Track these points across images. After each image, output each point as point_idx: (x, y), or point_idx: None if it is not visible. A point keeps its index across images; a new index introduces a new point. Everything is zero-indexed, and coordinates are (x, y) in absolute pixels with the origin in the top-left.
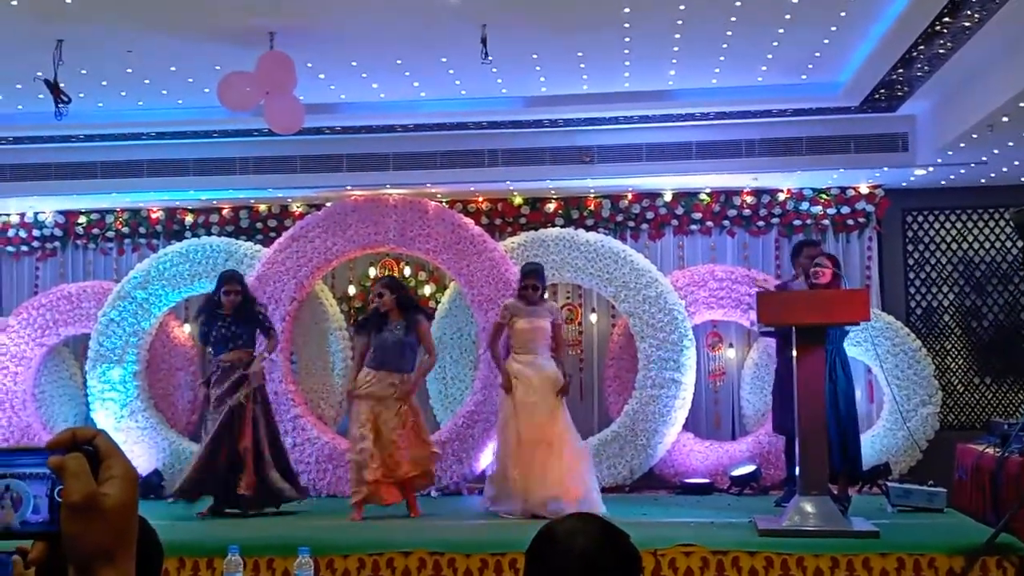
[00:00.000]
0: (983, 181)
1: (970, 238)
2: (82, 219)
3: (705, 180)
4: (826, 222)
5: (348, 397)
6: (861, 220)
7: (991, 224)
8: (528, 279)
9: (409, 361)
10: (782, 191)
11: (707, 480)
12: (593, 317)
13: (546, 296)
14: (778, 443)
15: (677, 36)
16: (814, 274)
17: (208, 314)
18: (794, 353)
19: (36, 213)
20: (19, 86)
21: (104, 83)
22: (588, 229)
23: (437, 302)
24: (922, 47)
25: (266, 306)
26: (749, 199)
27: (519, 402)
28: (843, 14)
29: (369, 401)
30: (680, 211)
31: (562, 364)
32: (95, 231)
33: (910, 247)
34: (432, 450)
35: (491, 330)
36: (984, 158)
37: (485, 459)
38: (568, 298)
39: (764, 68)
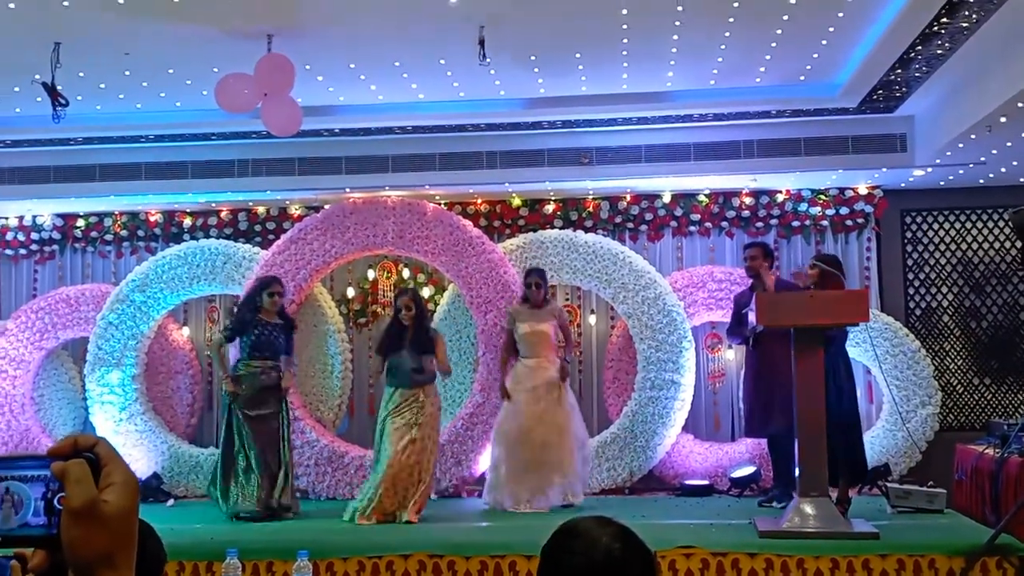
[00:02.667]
0: (982, 181)
1: (969, 238)
2: (80, 222)
3: (704, 181)
4: (825, 223)
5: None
6: (860, 221)
7: (990, 224)
8: (530, 277)
9: (426, 375)
10: (781, 192)
11: (707, 482)
12: (592, 319)
13: (549, 298)
14: None
15: (675, 37)
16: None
17: (248, 314)
18: (793, 355)
19: (34, 216)
20: (17, 89)
21: (102, 86)
22: (587, 230)
23: (436, 304)
24: (920, 48)
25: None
26: (748, 200)
27: (520, 409)
28: (841, 15)
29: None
30: (679, 212)
31: (562, 358)
32: (93, 234)
33: (909, 248)
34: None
35: (504, 339)
36: (983, 158)
37: (484, 461)
38: (567, 299)
39: (762, 69)
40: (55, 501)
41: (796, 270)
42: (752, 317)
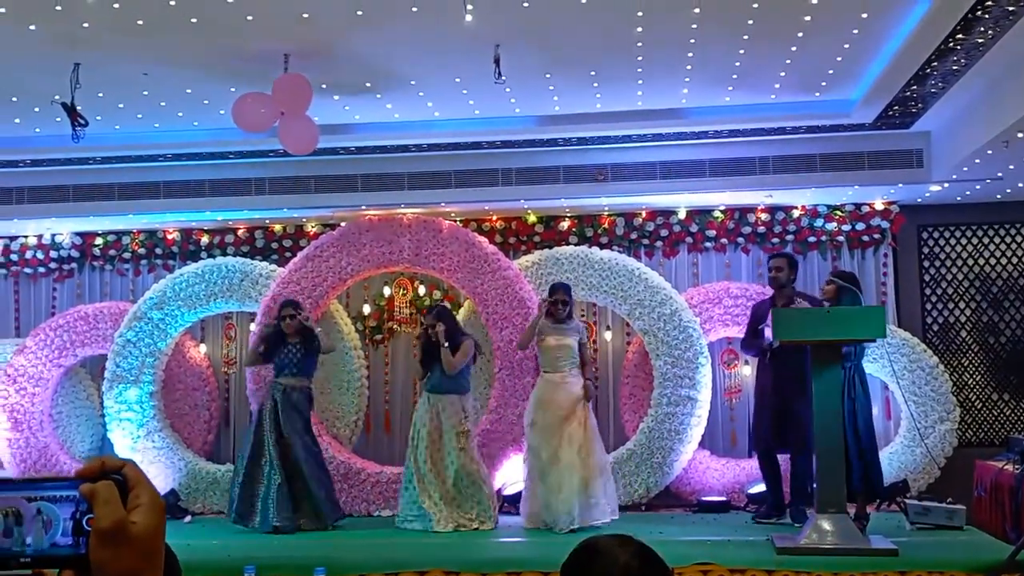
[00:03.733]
0: (999, 197)
1: (986, 254)
2: (99, 240)
3: (719, 197)
4: (841, 238)
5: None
6: (876, 236)
7: (1007, 240)
8: (556, 294)
9: (464, 380)
10: (796, 208)
11: (724, 498)
12: (608, 335)
13: (574, 315)
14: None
15: (690, 55)
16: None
17: (276, 334)
18: (808, 370)
19: (53, 235)
20: (37, 109)
21: (121, 106)
22: (602, 247)
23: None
24: (936, 63)
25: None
26: (764, 216)
27: (545, 426)
28: (856, 31)
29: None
30: (694, 228)
31: (587, 378)
32: (112, 252)
33: (926, 263)
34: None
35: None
36: (999, 174)
37: (501, 477)
38: (583, 316)
39: (777, 86)
40: (83, 522)
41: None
42: (768, 332)
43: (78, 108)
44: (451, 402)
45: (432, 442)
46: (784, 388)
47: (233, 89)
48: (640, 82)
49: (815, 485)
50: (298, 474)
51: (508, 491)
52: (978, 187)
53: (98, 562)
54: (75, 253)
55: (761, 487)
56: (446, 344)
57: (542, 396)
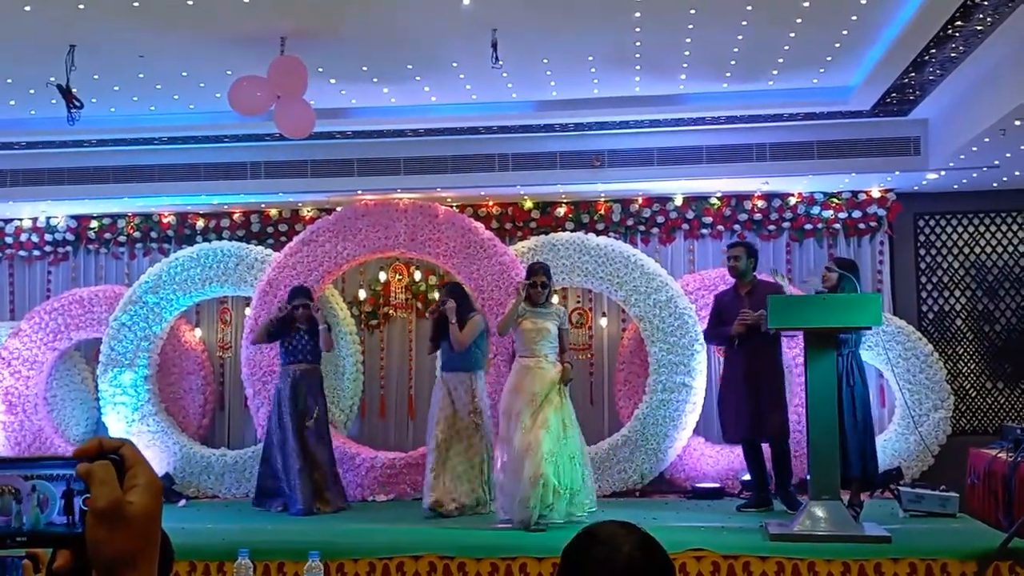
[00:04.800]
0: (995, 185)
1: (982, 242)
2: (94, 223)
3: (716, 184)
4: (837, 226)
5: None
6: (873, 224)
7: (1003, 228)
8: (535, 276)
9: (474, 358)
10: (793, 195)
11: (718, 485)
12: (603, 321)
13: (555, 300)
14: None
15: (688, 40)
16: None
17: (284, 321)
18: (803, 358)
19: (48, 218)
20: (32, 91)
21: (116, 88)
22: (598, 233)
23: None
24: (934, 51)
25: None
26: (760, 203)
27: (516, 413)
28: (854, 18)
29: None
30: (691, 215)
31: (565, 362)
32: (107, 235)
33: (922, 251)
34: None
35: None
36: (996, 162)
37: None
38: (578, 302)
39: (775, 72)
40: (78, 501)
41: (809, 277)
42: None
43: (73, 90)
44: (461, 380)
45: (449, 425)
46: (757, 377)
47: (229, 72)
48: (638, 68)
49: (808, 474)
50: (316, 459)
51: None
52: (975, 175)
53: (94, 542)
54: (70, 236)
55: None
56: (454, 321)
57: (515, 383)
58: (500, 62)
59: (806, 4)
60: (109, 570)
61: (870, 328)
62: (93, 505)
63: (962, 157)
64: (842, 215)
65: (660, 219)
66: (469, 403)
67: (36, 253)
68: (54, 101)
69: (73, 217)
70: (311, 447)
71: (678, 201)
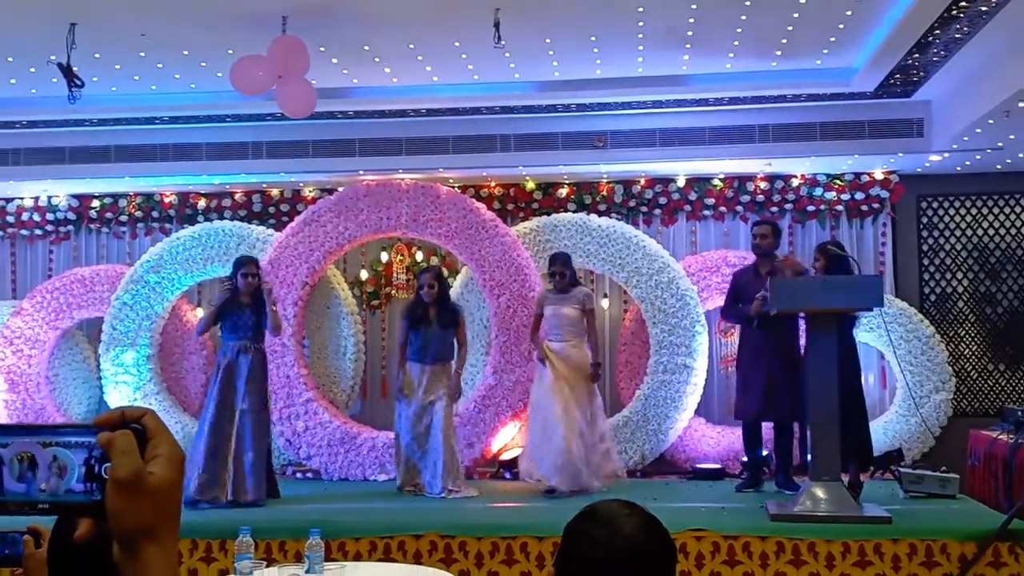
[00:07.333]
0: (999, 167)
1: (985, 224)
2: (96, 203)
3: (718, 165)
4: (840, 208)
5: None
6: (875, 206)
7: (1006, 210)
8: (553, 266)
9: (450, 349)
10: (796, 177)
11: (719, 465)
12: (605, 302)
13: (578, 283)
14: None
15: (691, 21)
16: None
17: (230, 295)
18: (801, 340)
19: (50, 197)
20: (33, 70)
21: (117, 67)
22: (600, 214)
23: (449, 287)
24: (938, 31)
25: (271, 286)
26: (763, 185)
27: (549, 385)
28: None
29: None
30: (693, 196)
31: (594, 351)
32: (108, 215)
33: (924, 233)
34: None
35: (531, 323)
36: (1000, 144)
37: (497, 443)
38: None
39: (778, 53)
40: (97, 469)
41: (787, 256)
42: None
43: (74, 69)
44: (443, 368)
45: (423, 408)
46: (773, 356)
47: (231, 51)
48: (641, 48)
49: (810, 454)
50: (250, 446)
51: (505, 456)
52: (978, 157)
53: (114, 511)
54: (71, 215)
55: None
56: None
57: (550, 358)
58: (502, 42)
59: None
60: (130, 540)
61: (870, 309)
62: (114, 475)
63: (965, 139)
64: (845, 197)
65: (662, 200)
66: (446, 390)
67: (38, 232)
68: (55, 80)
69: (75, 196)
70: (250, 432)
71: (680, 182)
